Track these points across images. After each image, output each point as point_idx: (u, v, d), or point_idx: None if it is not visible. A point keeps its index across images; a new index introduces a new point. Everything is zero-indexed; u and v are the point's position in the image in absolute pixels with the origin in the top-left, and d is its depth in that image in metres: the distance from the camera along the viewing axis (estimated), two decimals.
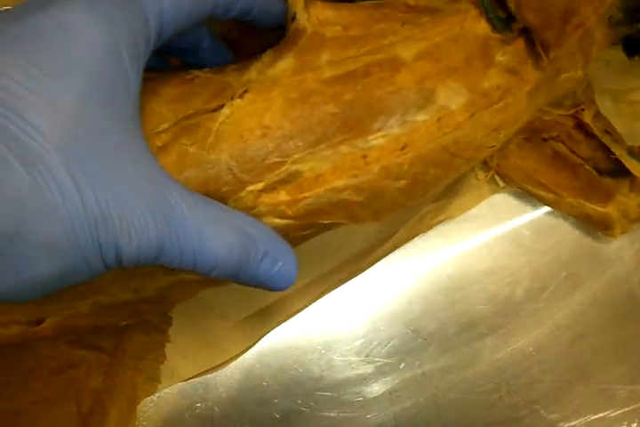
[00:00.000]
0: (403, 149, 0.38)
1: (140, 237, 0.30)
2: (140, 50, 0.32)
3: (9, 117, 0.27)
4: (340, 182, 0.38)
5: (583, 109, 0.50)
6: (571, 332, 0.54)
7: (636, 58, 0.55)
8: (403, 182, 0.39)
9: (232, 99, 0.37)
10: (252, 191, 0.37)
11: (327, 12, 0.42)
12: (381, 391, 0.53)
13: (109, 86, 0.30)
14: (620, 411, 0.53)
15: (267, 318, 0.52)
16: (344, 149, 0.38)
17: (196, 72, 0.40)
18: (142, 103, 0.35)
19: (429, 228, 0.53)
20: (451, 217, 0.54)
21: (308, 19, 0.41)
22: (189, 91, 0.38)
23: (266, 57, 0.40)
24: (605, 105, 0.54)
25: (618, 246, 0.55)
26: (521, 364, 0.54)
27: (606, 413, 0.53)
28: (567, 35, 0.39)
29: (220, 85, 0.38)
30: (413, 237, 0.53)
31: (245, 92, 0.38)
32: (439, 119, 0.39)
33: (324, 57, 0.39)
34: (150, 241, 0.30)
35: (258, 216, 0.38)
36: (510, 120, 0.41)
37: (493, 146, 0.42)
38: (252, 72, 0.39)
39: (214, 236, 0.32)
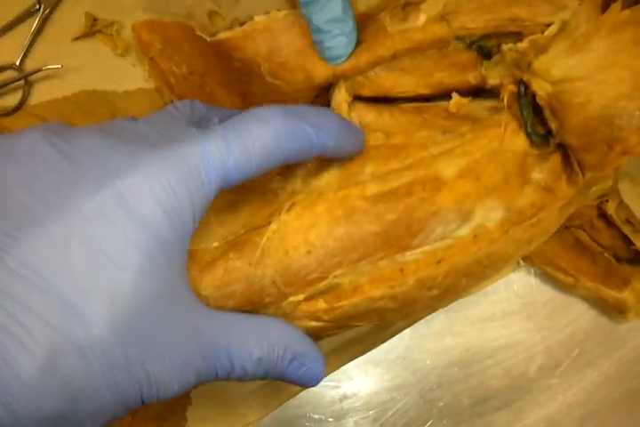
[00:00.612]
0: (438, 262, 0.40)
1: (181, 382, 0.32)
2: (195, 216, 0.33)
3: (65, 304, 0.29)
4: (377, 293, 0.40)
5: (607, 200, 0.51)
6: (582, 409, 0.56)
7: None
8: (435, 292, 0.41)
9: (279, 214, 0.38)
10: (292, 302, 0.39)
11: (369, 116, 0.43)
12: None
13: (166, 260, 0.32)
14: None
15: (285, 385, 0.53)
16: (383, 263, 0.39)
17: None
18: None
19: (449, 303, 0.55)
20: (470, 293, 0.55)
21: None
22: (235, 199, 0.39)
23: (310, 162, 0.42)
24: (625, 189, 0.56)
25: (631, 327, 0.57)
26: None
27: None
28: (610, 160, 0.40)
29: (266, 193, 0.40)
30: (433, 312, 0.54)
31: (292, 205, 0.39)
32: (475, 236, 0.40)
33: (368, 169, 0.41)
34: (190, 381, 0.32)
35: (294, 320, 0.40)
36: (541, 233, 0.43)
37: (522, 255, 0.43)
38: (297, 181, 0.40)
39: (245, 355, 0.35)
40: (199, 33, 0.46)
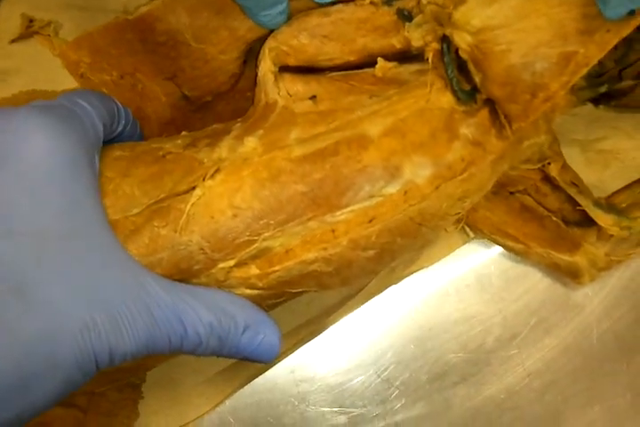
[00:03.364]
0: (370, 221, 0.40)
1: (131, 335, 0.31)
2: (88, 152, 0.34)
3: None
4: (310, 255, 0.39)
5: (550, 163, 0.51)
6: (542, 378, 0.55)
7: (602, 107, 0.56)
8: (371, 252, 0.41)
9: (203, 180, 0.38)
10: (223, 268, 0.38)
11: (297, 86, 0.43)
12: None
13: (66, 193, 0.31)
14: None
15: (239, 372, 0.53)
16: (313, 224, 0.39)
17: (169, 147, 0.41)
18: (114, 185, 0.36)
19: (400, 279, 0.54)
20: (422, 267, 0.55)
21: (278, 93, 0.42)
22: (161, 170, 0.39)
23: (236, 129, 0.41)
24: (574, 155, 0.56)
25: (586, 293, 0.56)
26: (493, 411, 0.55)
27: None
28: (534, 108, 0.40)
29: (192, 163, 0.39)
30: (384, 289, 0.54)
31: (216, 171, 0.38)
32: (405, 192, 0.40)
33: (294, 134, 0.40)
34: (140, 338, 0.32)
35: (228, 288, 0.39)
36: (475, 189, 0.42)
37: (458, 213, 0.43)
38: (224, 149, 0.40)
39: (195, 318, 0.34)
40: (122, 16, 0.46)
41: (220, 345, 0.36)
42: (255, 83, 0.46)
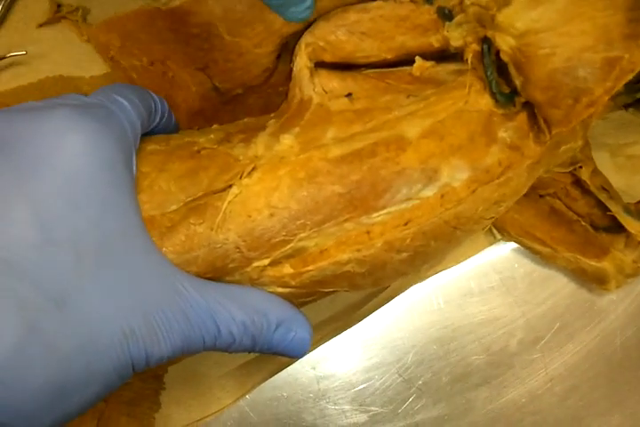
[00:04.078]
0: (406, 224, 0.39)
1: (168, 341, 0.31)
2: (126, 152, 0.34)
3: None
4: (344, 256, 0.39)
5: (581, 167, 0.51)
6: (564, 383, 0.55)
7: (631, 110, 0.56)
8: (404, 255, 0.40)
9: (240, 178, 0.38)
10: (257, 266, 0.38)
11: (333, 83, 0.42)
12: None
13: (104, 197, 0.31)
14: None
15: (261, 366, 0.53)
16: (349, 225, 0.39)
17: (203, 142, 0.40)
18: (150, 180, 0.36)
19: (425, 278, 0.54)
20: (447, 268, 0.55)
21: (313, 89, 0.42)
22: (197, 166, 0.39)
23: (271, 126, 0.41)
24: (603, 159, 0.55)
25: (611, 299, 0.56)
26: (514, 415, 0.54)
27: None
28: (576, 113, 0.39)
29: (227, 160, 0.39)
30: (408, 288, 0.54)
31: (253, 169, 0.38)
32: (442, 196, 0.39)
33: (330, 133, 0.40)
34: (176, 341, 0.32)
35: (261, 286, 0.39)
36: (511, 193, 0.42)
37: (493, 217, 0.42)
38: (259, 146, 0.39)
39: (228, 318, 0.34)
40: (153, 4, 0.45)
41: (253, 343, 0.36)
42: (289, 78, 0.45)
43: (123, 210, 0.32)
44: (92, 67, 0.51)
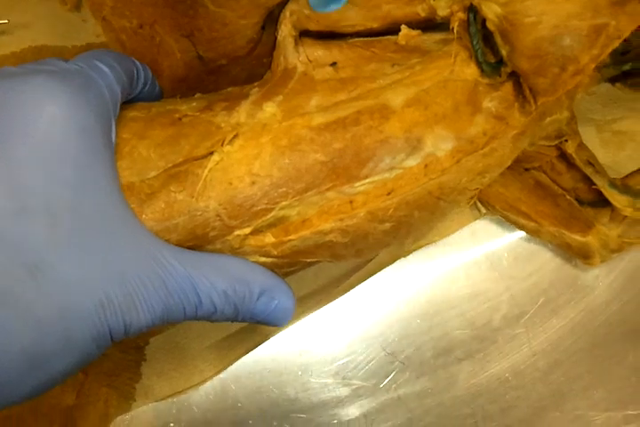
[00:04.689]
0: (389, 194, 0.39)
1: (146, 309, 0.31)
2: (104, 119, 0.33)
3: None
4: (326, 226, 0.39)
5: (567, 140, 0.50)
6: (547, 358, 0.55)
7: (618, 84, 0.55)
8: (387, 225, 0.40)
9: (222, 145, 0.37)
10: (238, 235, 0.37)
11: (318, 52, 0.42)
12: (357, 414, 0.53)
13: (79, 165, 0.31)
14: None
15: (243, 338, 0.52)
16: (331, 194, 0.38)
17: (185, 110, 0.40)
18: (130, 147, 0.35)
19: (409, 252, 0.54)
20: (431, 242, 0.54)
21: (298, 57, 0.41)
22: (178, 133, 0.38)
23: (254, 94, 0.40)
24: (589, 135, 0.55)
25: (596, 275, 0.56)
26: (497, 389, 0.54)
27: None
28: (563, 82, 0.39)
29: (209, 127, 0.38)
30: (393, 262, 0.53)
31: (235, 137, 0.37)
32: (425, 165, 0.39)
33: (314, 102, 0.39)
34: (155, 310, 0.31)
35: (243, 255, 0.39)
36: (495, 164, 0.42)
37: (477, 188, 0.42)
38: (242, 114, 0.39)
39: (210, 287, 0.33)
40: None
41: (235, 312, 0.35)
42: (273, 49, 0.44)
43: (99, 177, 0.32)
44: (75, 37, 0.50)
